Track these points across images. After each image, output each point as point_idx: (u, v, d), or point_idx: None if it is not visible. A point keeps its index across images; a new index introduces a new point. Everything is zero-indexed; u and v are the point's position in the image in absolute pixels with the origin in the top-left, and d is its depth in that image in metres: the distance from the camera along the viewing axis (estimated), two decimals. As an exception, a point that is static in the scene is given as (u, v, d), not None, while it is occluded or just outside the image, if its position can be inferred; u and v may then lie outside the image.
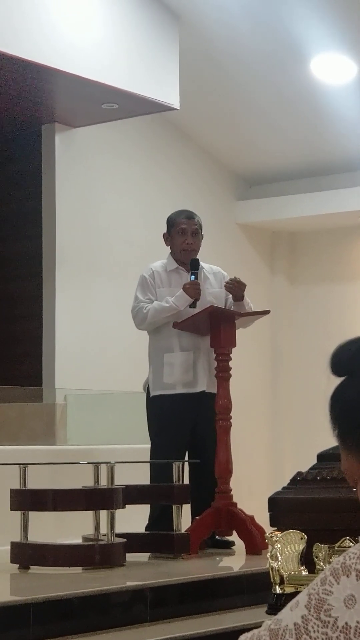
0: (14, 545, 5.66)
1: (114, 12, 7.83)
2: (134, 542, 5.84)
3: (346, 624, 1.45)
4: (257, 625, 1.59)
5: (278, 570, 3.11)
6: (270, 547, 3.14)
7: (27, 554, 5.64)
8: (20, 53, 7.19)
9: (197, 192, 9.69)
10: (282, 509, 3.75)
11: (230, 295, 6.53)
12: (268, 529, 3.58)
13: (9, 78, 7.65)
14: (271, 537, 3.14)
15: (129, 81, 7.90)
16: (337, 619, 1.45)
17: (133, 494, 5.91)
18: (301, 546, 3.14)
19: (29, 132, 8.80)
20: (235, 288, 6.43)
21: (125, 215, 9.19)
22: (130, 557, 5.67)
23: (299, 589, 3.00)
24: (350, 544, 3.06)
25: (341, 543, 3.07)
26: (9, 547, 5.66)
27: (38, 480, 6.03)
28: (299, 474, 3.84)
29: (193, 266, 6.42)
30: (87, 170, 8.93)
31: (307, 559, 3.12)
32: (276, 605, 3.06)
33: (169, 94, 8.16)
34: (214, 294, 6.51)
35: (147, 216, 9.12)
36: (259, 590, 4.71)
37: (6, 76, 7.60)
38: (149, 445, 6.48)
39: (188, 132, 9.70)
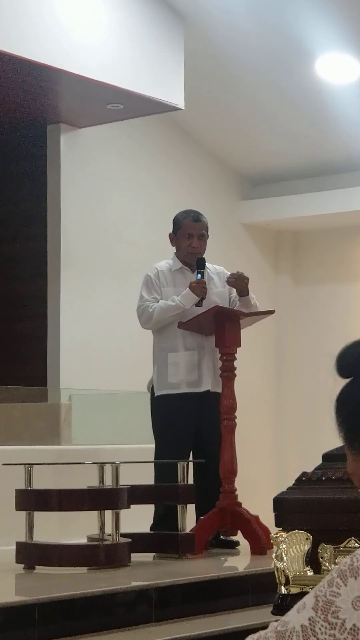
0: (19, 545, 5.67)
1: (119, 13, 7.84)
2: (138, 542, 5.84)
3: (354, 625, 1.45)
4: (263, 626, 1.59)
5: (283, 571, 3.11)
6: (275, 548, 3.13)
7: (32, 554, 5.65)
8: (26, 53, 7.20)
9: (201, 192, 9.69)
10: (288, 510, 3.74)
11: (234, 294, 6.52)
12: (273, 530, 3.58)
13: (15, 78, 7.65)
14: (276, 537, 3.14)
15: (133, 81, 7.90)
16: (345, 621, 1.45)
17: (138, 494, 5.91)
18: (306, 546, 3.14)
19: (34, 132, 8.80)
20: (238, 282, 6.42)
21: (130, 215, 9.19)
22: (135, 557, 5.68)
23: (304, 590, 3.01)
24: (356, 544, 3.06)
25: (347, 543, 3.07)
26: (14, 547, 5.67)
27: (43, 480, 6.04)
28: (304, 474, 3.84)
29: (199, 265, 6.41)
30: (92, 170, 8.93)
31: (312, 560, 3.12)
32: (281, 605, 3.06)
33: (173, 94, 8.16)
34: (218, 293, 6.51)
35: (152, 216, 9.11)
36: (264, 591, 4.70)
37: (11, 76, 7.60)
38: (154, 445, 6.48)
39: (193, 133, 9.70)
